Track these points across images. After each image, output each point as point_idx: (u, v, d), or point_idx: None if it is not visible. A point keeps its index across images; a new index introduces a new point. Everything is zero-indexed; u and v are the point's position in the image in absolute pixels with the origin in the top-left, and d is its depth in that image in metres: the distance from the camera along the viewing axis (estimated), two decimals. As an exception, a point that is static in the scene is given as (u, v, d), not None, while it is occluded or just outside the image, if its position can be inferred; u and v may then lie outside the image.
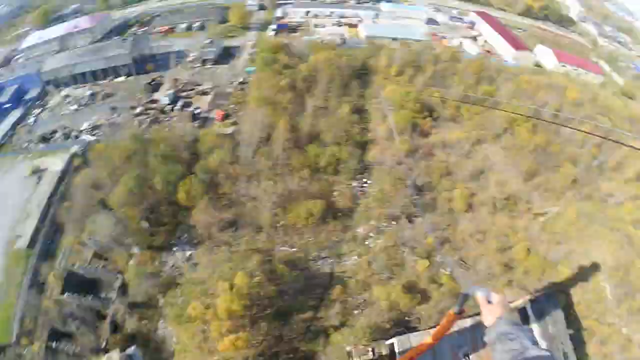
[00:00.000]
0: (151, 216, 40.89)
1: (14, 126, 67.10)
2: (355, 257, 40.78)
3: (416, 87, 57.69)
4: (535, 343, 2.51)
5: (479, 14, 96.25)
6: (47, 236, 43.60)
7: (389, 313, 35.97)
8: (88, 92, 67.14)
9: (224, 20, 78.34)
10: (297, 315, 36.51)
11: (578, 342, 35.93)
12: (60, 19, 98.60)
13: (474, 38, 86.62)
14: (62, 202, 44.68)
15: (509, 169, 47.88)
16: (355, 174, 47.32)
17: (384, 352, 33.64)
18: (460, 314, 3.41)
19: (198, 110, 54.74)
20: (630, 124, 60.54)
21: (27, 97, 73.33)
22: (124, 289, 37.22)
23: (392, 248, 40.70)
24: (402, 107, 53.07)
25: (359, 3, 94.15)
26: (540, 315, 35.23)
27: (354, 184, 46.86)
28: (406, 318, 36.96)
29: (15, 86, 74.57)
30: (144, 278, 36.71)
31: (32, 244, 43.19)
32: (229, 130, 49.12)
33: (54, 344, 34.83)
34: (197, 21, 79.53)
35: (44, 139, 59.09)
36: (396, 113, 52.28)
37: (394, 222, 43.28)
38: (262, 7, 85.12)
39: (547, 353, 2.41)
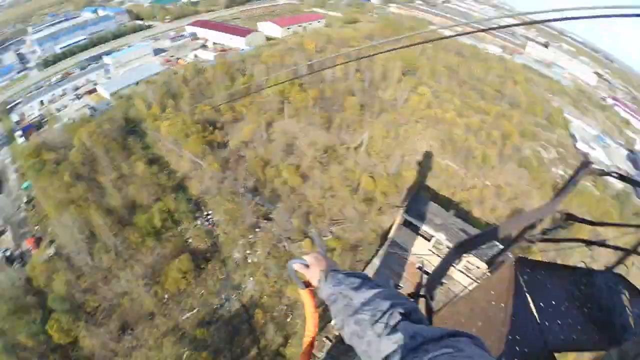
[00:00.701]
0: None
1: None
2: (251, 278, 42.64)
3: (186, 112, 61.34)
4: (364, 280, 2.09)
5: (194, 24, 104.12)
6: None
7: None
8: None
9: None
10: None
11: None
12: None
13: (204, 46, 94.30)
14: None
15: (308, 129, 56.16)
16: (193, 213, 49.64)
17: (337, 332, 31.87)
18: (309, 287, 2.64)
19: (8, 252, 49.63)
20: (370, 39, 76.31)
21: None
22: None
23: (273, 250, 44.05)
24: (187, 136, 56.75)
25: (82, 69, 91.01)
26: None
27: (199, 222, 49.02)
28: None
29: None
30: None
31: None
32: (52, 250, 46.88)
33: None
34: None
35: None
36: (186, 143, 56.06)
37: (257, 229, 46.78)
38: None
39: (377, 289, 1.96)
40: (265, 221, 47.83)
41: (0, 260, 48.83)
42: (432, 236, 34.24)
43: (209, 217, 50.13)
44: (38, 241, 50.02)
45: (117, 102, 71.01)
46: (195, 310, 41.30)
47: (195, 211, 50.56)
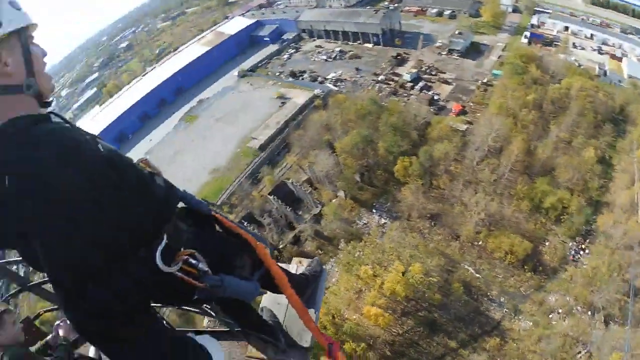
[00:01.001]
0: (365, 173, 44.73)
1: (270, 56, 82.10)
2: (530, 323, 36.04)
3: None
4: None
5: None
6: (276, 148, 52.53)
7: None
8: (337, 49, 76.28)
9: (476, 15, 76.37)
10: (443, 337, 35.08)
11: None
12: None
13: None
14: (296, 128, 52.50)
15: None
16: (577, 233, 41.06)
17: None
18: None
19: (437, 97, 56.08)
20: None
21: (284, 37, 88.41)
22: (318, 218, 42.11)
23: (570, 339, 34.06)
24: None
25: (625, 33, 78.62)
26: None
27: (571, 244, 40.89)
28: None
29: (275, 26, 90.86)
30: (337, 219, 40.76)
31: (262, 148, 52.89)
32: (462, 127, 48.83)
33: (245, 223, 42.32)
34: (449, 9, 79.61)
35: (293, 74, 70.23)
36: None
37: (589, 313, 36.23)
38: (516, 10, 79.35)
39: None
40: (603, 319, 33.51)
41: (427, 98, 56.16)
42: None
43: (581, 252, 39.89)
44: (462, 112, 52.71)
45: (629, 86, 59.30)
46: (477, 275, 38.20)
47: (579, 235, 41.01)
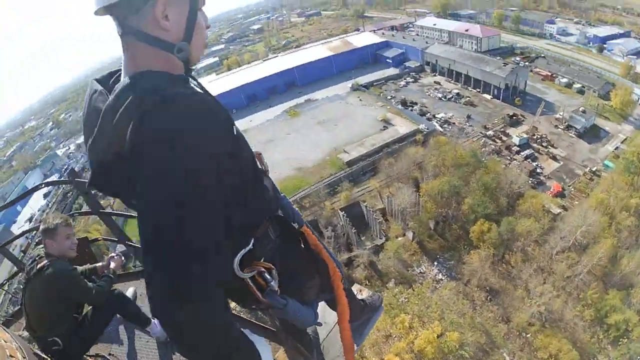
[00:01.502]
0: (441, 223, 45.02)
1: (387, 79, 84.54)
2: None
3: None
4: None
5: None
6: (363, 169, 54.69)
7: None
8: (455, 91, 75.97)
9: (605, 97, 70.24)
10: None
11: None
12: (456, 16, 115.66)
13: None
14: (389, 156, 53.96)
15: None
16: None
17: None
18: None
19: (539, 170, 53.73)
20: None
21: (407, 64, 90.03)
22: (377, 249, 43.16)
23: None
24: None
25: None
26: None
27: None
28: None
29: (401, 51, 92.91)
30: (397, 258, 41.64)
31: (350, 163, 55.51)
32: (556, 210, 46.33)
33: None
34: (579, 83, 74.85)
35: (404, 103, 71.74)
36: None
37: None
38: None
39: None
40: None
41: (529, 168, 53.75)
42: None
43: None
44: (559, 194, 50.17)
45: None
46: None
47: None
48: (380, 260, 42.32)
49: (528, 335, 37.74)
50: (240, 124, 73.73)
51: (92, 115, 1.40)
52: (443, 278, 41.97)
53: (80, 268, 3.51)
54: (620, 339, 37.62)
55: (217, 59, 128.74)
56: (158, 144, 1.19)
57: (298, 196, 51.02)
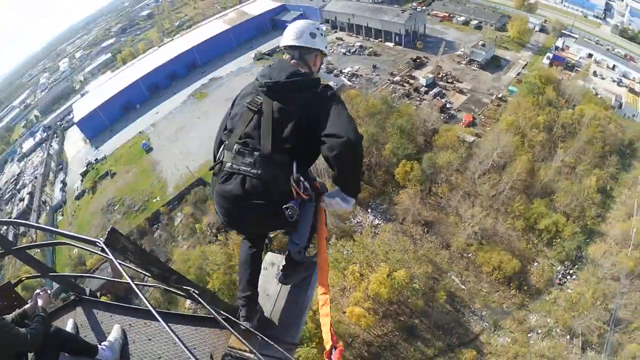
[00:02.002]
0: (366, 172, 45.53)
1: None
2: (508, 340, 37.05)
3: None
4: None
5: None
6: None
7: None
8: (358, 44, 76.82)
9: (502, 29, 76.18)
10: (420, 342, 36.42)
11: None
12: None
13: None
14: (304, 118, 53.39)
15: None
16: (566, 258, 41.72)
17: None
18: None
19: (449, 105, 56.64)
20: None
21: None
22: (313, 211, 43.27)
23: None
24: None
25: None
26: None
27: (559, 268, 41.58)
28: None
29: (299, 12, 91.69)
30: (331, 214, 41.73)
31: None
32: (470, 138, 49.38)
33: None
34: (476, 19, 79.69)
35: (319, 63, 70.86)
36: None
37: (568, 337, 36.84)
38: (543, 30, 78.79)
39: None
40: (580, 345, 35.98)
41: (437, 102, 56.94)
42: None
43: (568, 276, 41.00)
44: (471, 124, 53.44)
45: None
46: (462, 287, 39.32)
47: (569, 259, 41.92)
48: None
49: (469, 255, 40.39)
50: (147, 118, 69.25)
51: (249, 87, 3.30)
52: (379, 222, 43.01)
53: (8, 317, 3.22)
54: (554, 240, 41.90)
55: (109, 55, 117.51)
56: (335, 100, 2.93)
57: (224, 178, 48.88)
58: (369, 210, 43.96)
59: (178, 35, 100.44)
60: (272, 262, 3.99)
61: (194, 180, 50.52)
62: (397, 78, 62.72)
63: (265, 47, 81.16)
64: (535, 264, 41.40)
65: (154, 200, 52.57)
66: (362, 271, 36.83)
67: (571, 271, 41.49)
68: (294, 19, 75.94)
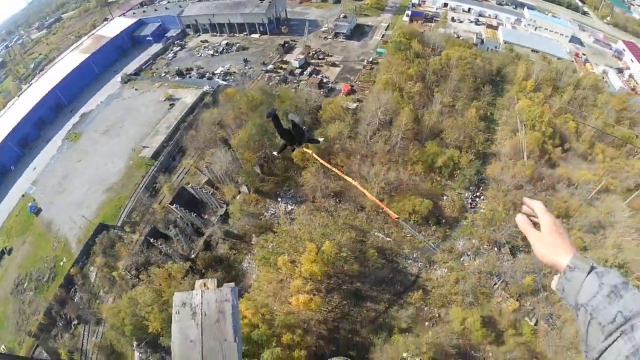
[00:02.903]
0: (265, 164, 45.95)
1: (154, 57, 78.91)
2: (445, 270, 41.29)
3: (552, 109, 54.66)
4: (624, 283, 1.62)
5: (628, 44, 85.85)
6: (170, 154, 51.36)
7: (458, 339, 36.19)
8: (224, 42, 76.07)
9: None
10: (370, 302, 38.92)
11: None
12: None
13: (619, 70, 78.85)
14: (189, 130, 51.85)
15: (631, 234, 44.65)
16: (469, 184, 47.29)
17: None
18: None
19: (326, 80, 59.19)
20: None
21: (168, 35, 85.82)
22: (224, 218, 42.69)
23: (485, 274, 40.35)
24: (533, 127, 51.38)
25: (499, 4, 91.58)
26: None
27: (466, 194, 46.96)
28: (472, 352, 36.71)
29: (158, 24, 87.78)
30: (245, 215, 41.74)
31: (155, 155, 51.28)
32: (353, 105, 52.41)
33: (152, 239, 41.73)
34: None
35: (180, 73, 68.54)
36: (527, 133, 50.91)
37: (495, 249, 42.67)
38: None
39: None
40: (509, 251, 41.64)
41: (316, 81, 59.40)
42: None
43: (476, 199, 46.63)
44: (351, 92, 56.59)
45: (504, 51, 69.81)
46: (387, 239, 42.37)
47: (473, 185, 47.45)
48: (231, 225, 41.71)
49: (384, 209, 43.39)
50: (26, 178, 60.84)
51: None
52: (292, 207, 44.00)
53: None
54: (454, 172, 46.88)
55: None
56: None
57: (124, 215, 45.62)
58: (279, 200, 44.62)
59: (36, 78, 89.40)
60: (183, 302, 3.65)
61: (95, 227, 46.63)
62: (270, 66, 63.64)
63: (130, 68, 76.13)
64: (445, 197, 46.02)
65: (61, 264, 47.34)
66: (292, 258, 37.59)
67: (478, 194, 47.05)
68: (154, 32, 72.85)
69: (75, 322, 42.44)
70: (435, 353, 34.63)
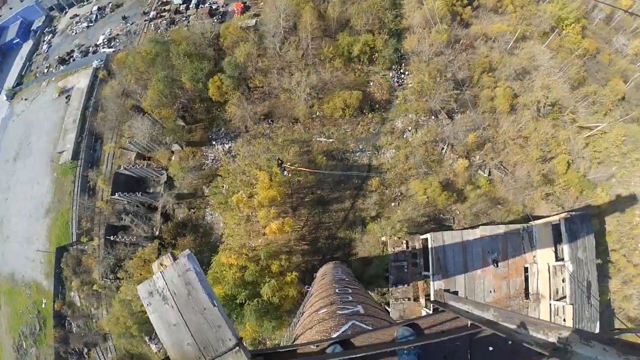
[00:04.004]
0: (186, 114, 44.07)
1: (29, 57, 71.32)
2: (393, 151, 42.60)
3: None
4: None
5: None
6: (89, 146, 48.53)
7: (425, 208, 39.05)
8: (94, 8, 68.75)
9: None
10: (336, 204, 40.52)
11: (603, 274, 37.60)
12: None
13: None
14: (96, 113, 48.66)
15: (555, 73, 46.52)
16: (391, 64, 46.95)
17: (417, 245, 37.55)
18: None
19: (215, 6, 55.16)
20: None
21: (34, 27, 76.84)
22: (170, 183, 41.93)
23: (430, 143, 42.06)
24: None
25: None
26: (572, 236, 36.09)
27: (391, 74, 46.91)
28: (441, 215, 39.87)
29: (19, 21, 77.93)
30: (187, 172, 40.97)
31: (75, 155, 48.45)
32: (252, 22, 49.47)
33: (112, 237, 41.09)
34: None
35: (63, 60, 62.53)
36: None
37: (433, 117, 43.87)
38: None
39: None
40: (446, 116, 43.36)
41: (206, 11, 54.97)
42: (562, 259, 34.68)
43: (402, 75, 46.92)
44: (245, 9, 53.34)
45: None
46: (330, 140, 42.82)
47: (395, 63, 47.26)
48: (179, 187, 41.32)
49: (318, 114, 43.50)
50: None
51: None
52: (229, 145, 43.39)
53: None
54: (373, 56, 46.16)
55: None
56: None
57: (75, 229, 44.90)
58: (214, 143, 43.65)
59: None
60: (149, 291, 3.53)
61: (54, 254, 45.42)
62: (153, 13, 58.45)
63: (10, 81, 68.63)
64: (371, 83, 45.91)
65: (43, 306, 46.88)
66: (250, 192, 37.96)
67: (402, 70, 47.04)
68: (18, 31, 64.40)
69: (86, 350, 43.20)
70: (409, 227, 37.35)
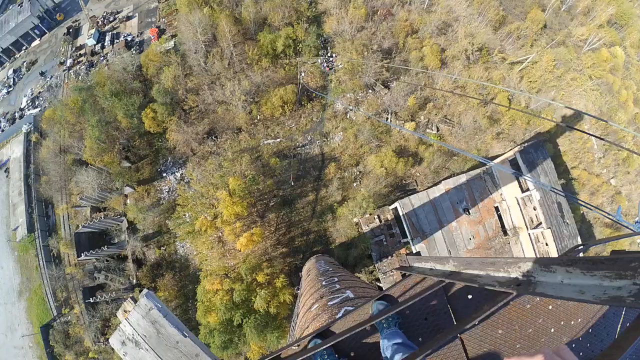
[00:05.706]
0: (129, 154, 43.98)
1: None
2: (341, 133, 43.97)
3: None
4: None
5: None
6: (41, 215, 48.00)
7: (386, 179, 40.66)
8: (10, 72, 67.34)
9: None
10: (301, 200, 41.70)
11: (570, 192, 40.30)
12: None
13: None
14: (39, 179, 48.15)
15: (475, 19, 48.28)
16: (317, 50, 48.19)
17: (389, 216, 39.02)
18: None
19: (130, 37, 55.05)
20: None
21: None
22: (132, 228, 42.05)
23: (374, 117, 43.22)
24: None
25: None
26: (531, 166, 38.76)
27: (319, 60, 48.08)
28: (403, 182, 41.76)
29: None
30: (146, 211, 41.26)
31: (30, 228, 47.83)
32: (170, 44, 49.42)
33: (91, 300, 41.20)
34: None
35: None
36: None
37: (370, 91, 45.31)
38: None
39: None
40: (382, 87, 44.86)
41: (120, 44, 54.87)
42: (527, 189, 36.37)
43: (330, 59, 48.10)
44: (161, 33, 53.42)
45: None
46: (278, 140, 43.95)
47: (320, 49, 48.42)
48: (143, 229, 41.82)
49: (259, 117, 44.43)
50: None
51: None
52: (180, 172, 43.96)
53: None
54: (298, 47, 47.49)
55: None
56: None
57: (52, 303, 44.44)
58: (164, 175, 43.95)
59: None
60: (121, 341, 3.64)
61: (40, 334, 44.99)
62: (69, 61, 57.77)
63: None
64: (302, 74, 46.94)
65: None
66: (212, 214, 38.60)
67: (329, 54, 48.23)
68: None
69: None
70: (376, 202, 38.85)
